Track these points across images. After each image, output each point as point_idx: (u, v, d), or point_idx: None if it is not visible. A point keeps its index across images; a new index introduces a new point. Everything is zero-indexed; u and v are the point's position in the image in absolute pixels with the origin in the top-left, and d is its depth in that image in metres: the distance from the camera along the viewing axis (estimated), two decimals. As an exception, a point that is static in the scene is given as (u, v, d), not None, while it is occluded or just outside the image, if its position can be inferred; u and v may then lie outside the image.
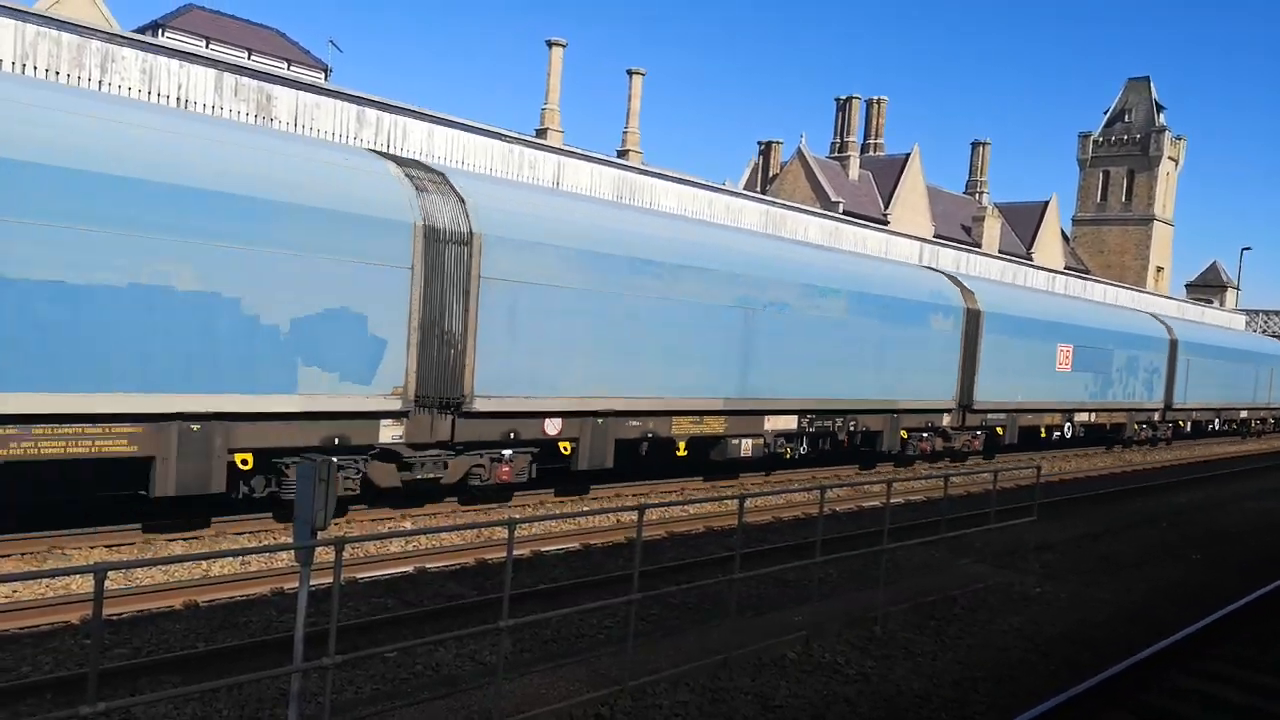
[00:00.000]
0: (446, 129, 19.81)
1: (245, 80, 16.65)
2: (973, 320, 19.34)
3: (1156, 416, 28.56)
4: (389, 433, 10.69)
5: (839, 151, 57.70)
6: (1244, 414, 35.72)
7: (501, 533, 10.15)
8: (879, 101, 62.91)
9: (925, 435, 18.74)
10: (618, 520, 11.69)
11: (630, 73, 44.76)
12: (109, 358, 8.51)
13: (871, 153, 60.65)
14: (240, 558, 9.22)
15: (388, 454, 10.69)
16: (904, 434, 18.13)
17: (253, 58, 32.13)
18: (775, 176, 55.37)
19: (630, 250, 12.88)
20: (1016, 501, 13.77)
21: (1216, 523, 15.51)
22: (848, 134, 58.00)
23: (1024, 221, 67.16)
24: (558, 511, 12.20)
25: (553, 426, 12.16)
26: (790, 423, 15.75)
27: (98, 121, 8.63)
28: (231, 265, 9.12)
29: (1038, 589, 10.24)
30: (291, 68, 31.73)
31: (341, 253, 9.87)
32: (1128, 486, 18.82)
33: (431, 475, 11.07)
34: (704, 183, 26.87)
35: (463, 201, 11.25)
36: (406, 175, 10.98)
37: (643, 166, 26.60)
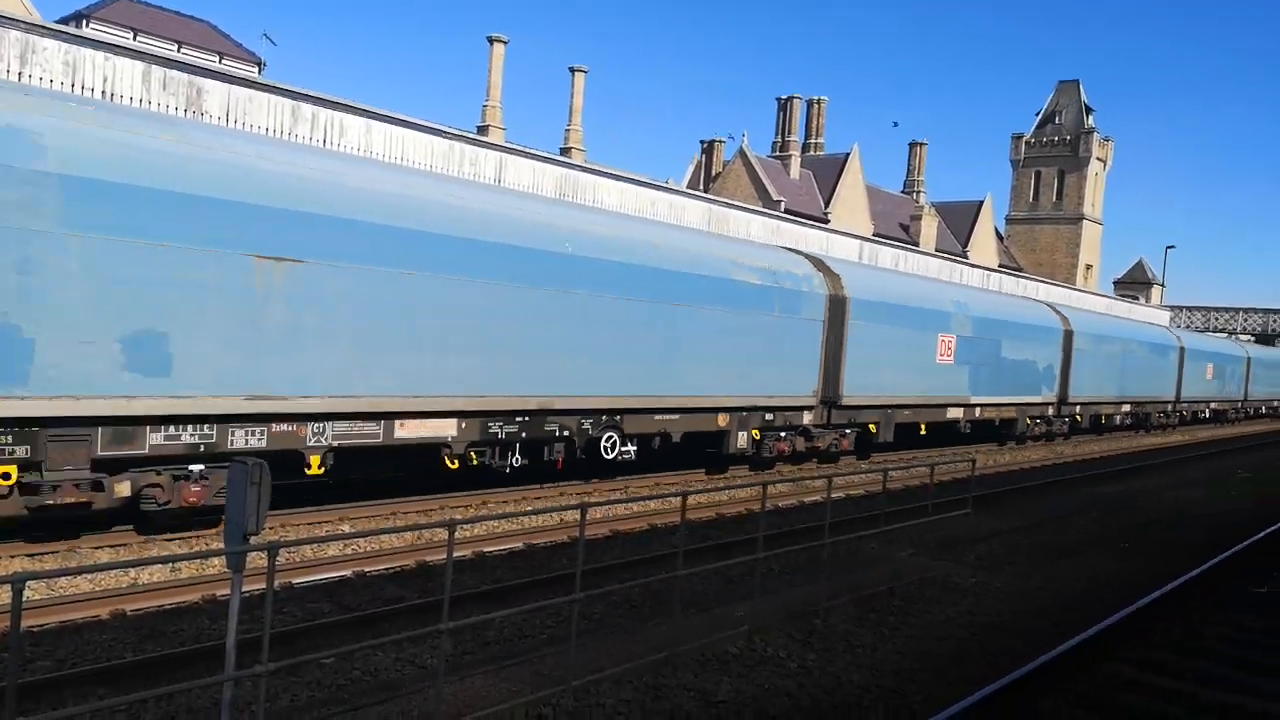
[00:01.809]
0: (385, 125, 19.53)
1: (174, 73, 16.19)
2: (838, 307, 17.84)
3: (1051, 411, 27.28)
4: (806, 417, 17.58)
5: (780, 151, 58.32)
6: (1146, 407, 34.69)
7: (443, 534, 10.03)
8: (819, 101, 63.77)
9: (784, 435, 17.15)
10: (561, 519, 11.64)
11: (573, 70, 44.61)
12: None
13: (812, 152, 61.42)
14: (171, 565, 8.95)
15: (801, 430, 17.47)
16: (757, 434, 16.58)
17: (182, 50, 31.26)
18: (718, 175, 55.74)
19: (904, 300, 20.13)
20: (953, 494, 14.06)
21: (1143, 512, 16.02)
22: (789, 133, 58.64)
23: (960, 220, 68.68)
24: (499, 511, 12.10)
25: (871, 415, 18.95)
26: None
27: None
28: (735, 325, 15.58)
29: (973, 579, 10.46)
30: (223, 61, 30.93)
31: (772, 311, 16.49)
32: (1058, 479, 19.34)
33: (821, 445, 17.91)
34: (647, 181, 26.93)
35: (838, 278, 18.13)
36: (811, 261, 18.31)
37: (586, 164, 26.55)
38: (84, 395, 8.70)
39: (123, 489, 9.24)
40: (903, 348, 19.81)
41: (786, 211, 44.12)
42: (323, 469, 10.50)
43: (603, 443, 13.66)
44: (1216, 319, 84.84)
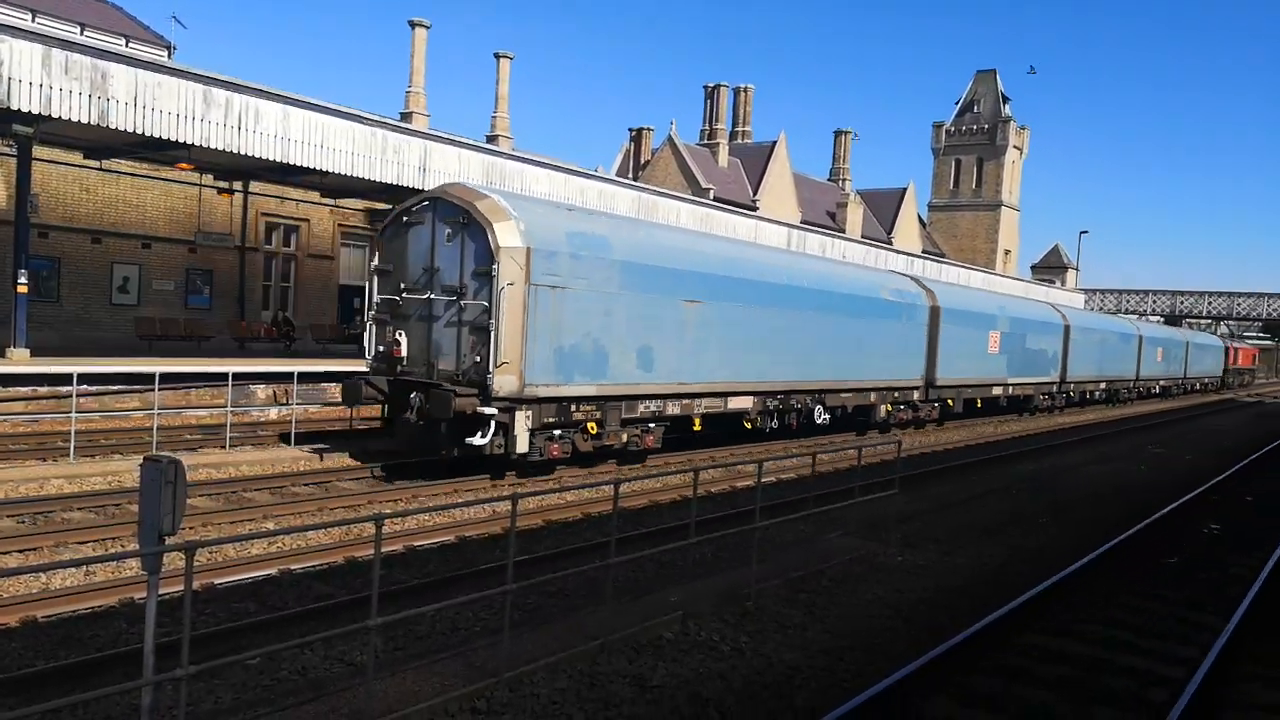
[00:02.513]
0: (304, 111, 19.03)
1: (77, 57, 15.49)
2: (934, 315, 24.54)
3: (1055, 388, 32.95)
4: (915, 395, 23.77)
5: (708, 139, 58.58)
6: (1116, 385, 40.28)
7: (373, 529, 9.86)
8: (746, 90, 64.21)
9: (903, 407, 23.56)
10: (493, 511, 11.54)
11: (498, 56, 44.08)
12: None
13: (740, 140, 61.85)
14: (85, 568, 8.62)
15: (891, 404, 22.76)
16: (889, 407, 22.81)
17: (86, 33, 29.92)
18: (647, 163, 55.74)
19: (970, 307, 26.95)
20: (880, 476, 14.34)
21: (1061, 489, 16.61)
22: (716, 121, 58.93)
23: (884, 207, 70.00)
24: (430, 505, 11.94)
25: (950, 393, 25.51)
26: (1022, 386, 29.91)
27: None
28: (831, 322, 19.94)
29: (900, 558, 10.71)
30: (130, 44, 29.70)
31: (881, 316, 21.90)
32: (980, 458, 19.91)
33: (922, 415, 24.33)
34: (576, 169, 26.80)
35: (933, 293, 24.67)
36: (916, 282, 25.17)
37: (513, 152, 26.29)
38: (623, 383, 14.82)
39: (617, 439, 15.05)
40: (971, 343, 26.20)
41: (715, 199, 44.38)
42: (700, 428, 17.10)
43: (815, 413, 19.93)
44: (1127, 301, 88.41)
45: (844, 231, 54.79)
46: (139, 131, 16.59)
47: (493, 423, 12.74)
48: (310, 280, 29.24)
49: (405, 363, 13.97)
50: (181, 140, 17.25)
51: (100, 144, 20.78)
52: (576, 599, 8.67)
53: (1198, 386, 56.57)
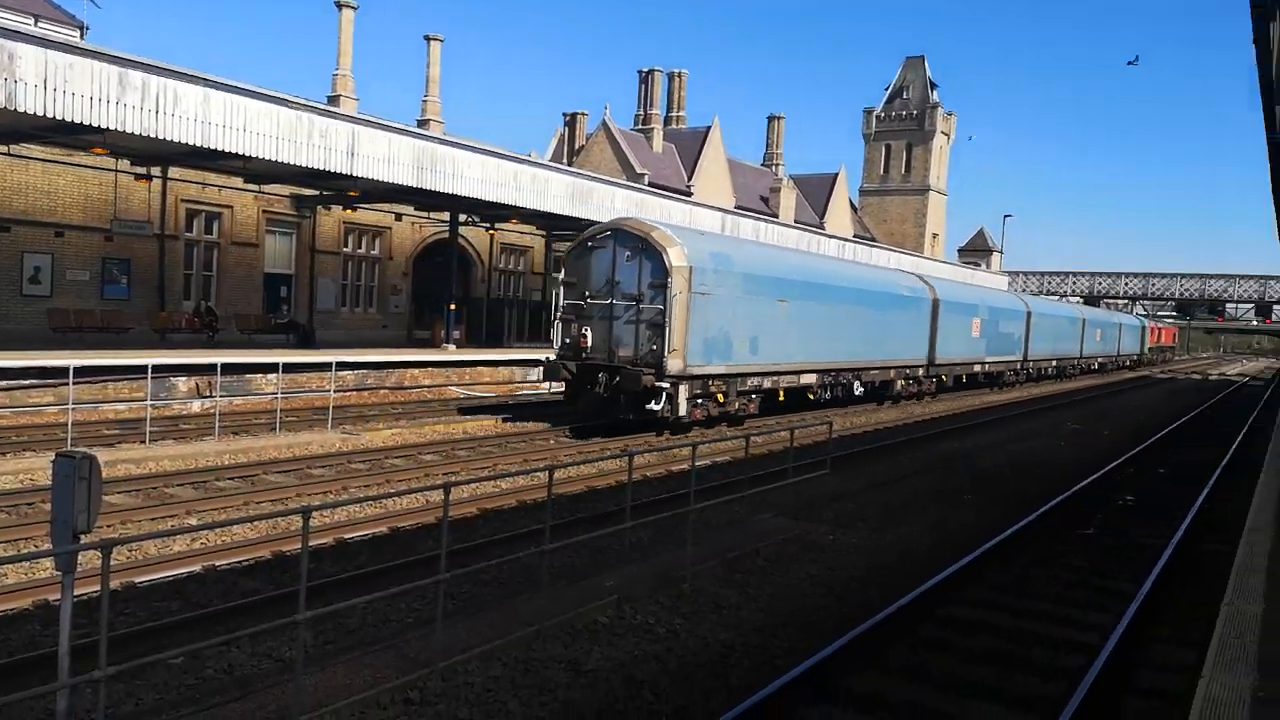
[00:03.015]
0: (225, 94, 18.46)
1: (-21, 35, 14.76)
2: (935, 306, 29.29)
3: (1018, 366, 38.74)
4: (920, 371, 28.18)
5: (643, 124, 58.51)
6: (1064, 362, 46.01)
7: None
8: (680, 75, 64.24)
9: (910, 382, 28.09)
10: (426, 500, 11.42)
11: (428, 39, 43.32)
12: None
13: (674, 125, 61.90)
14: (-4, 570, 8.27)
15: (907, 380, 27.54)
16: (902, 382, 27.39)
17: (-10, 10, 28.48)
18: (582, 148, 55.46)
19: (961, 299, 32.18)
20: (812, 457, 14.58)
21: (983, 466, 17.09)
22: (651, 107, 58.87)
23: (816, 192, 70.85)
24: (361, 495, 11.76)
25: (945, 370, 30.28)
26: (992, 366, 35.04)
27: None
28: (873, 316, 24.69)
29: (832, 537, 10.92)
30: (40, 24, 28.41)
31: (906, 310, 26.96)
32: (908, 438, 20.37)
33: (919, 391, 28.37)
34: (510, 154, 26.53)
35: (934, 288, 29.33)
36: (921, 279, 30.03)
37: (445, 137, 25.90)
38: (740, 364, 19.22)
39: (734, 406, 19.27)
40: (960, 329, 31.17)
41: (650, 184, 44.38)
42: (783, 399, 21.47)
43: (854, 386, 24.50)
44: (1049, 282, 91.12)
45: (777, 216, 55.32)
46: (49, 115, 15.90)
47: (664, 394, 17.23)
48: (234, 269, 28.44)
49: (589, 351, 17.98)
50: (95, 124, 16.58)
51: (8, 128, 19.84)
52: (513, 586, 8.64)
53: (1128, 363, 63.14)
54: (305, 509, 5.59)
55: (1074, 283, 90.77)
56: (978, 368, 33.82)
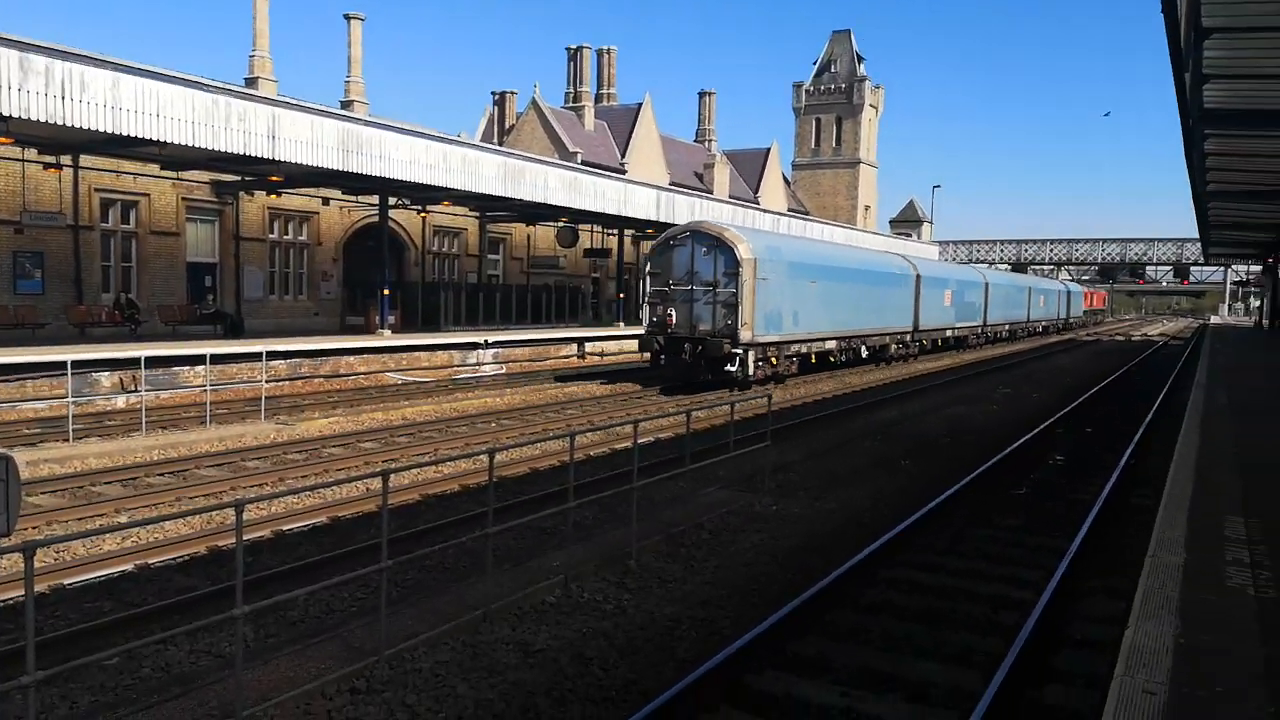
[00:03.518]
0: (136, 78, 17.76)
1: None
2: (917, 282, 34.27)
3: (979, 331, 43.88)
4: (907, 338, 33.33)
5: (573, 102, 58.02)
6: (1014, 327, 51.41)
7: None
8: (609, 51, 63.79)
9: (899, 346, 33.02)
10: (367, 488, 11.25)
11: (348, 17, 42.22)
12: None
13: (605, 103, 61.53)
14: (-88, 580, 7.91)
15: (902, 346, 32.83)
16: (893, 346, 32.33)
17: (-123, -8, 26.88)
18: (512, 127, 54.79)
19: (936, 274, 37.66)
20: (753, 429, 14.73)
21: (920, 432, 17.48)
22: (581, 84, 58.38)
23: (750, 167, 71.26)
24: (298, 486, 11.52)
25: (926, 335, 35.38)
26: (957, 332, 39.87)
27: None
28: (874, 292, 30.01)
29: (774, 507, 11.06)
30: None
31: (897, 286, 32.27)
32: (845, 408, 20.71)
33: (906, 354, 33.56)
34: (438, 135, 26.08)
35: (915, 266, 34.50)
36: (905, 259, 35.52)
37: (370, 118, 25.33)
38: (787, 333, 24.05)
39: (782, 367, 24.04)
40: (937, 300, 36.42)
41: (583, 163, 44.10)
42: (814, 362, 26.46)
43: (860, 350, 29.44)
44: (977, 250, 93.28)
45: (711, 192, 55.53)
46: (-55, 102, 15.11)
47: (738, 358, 22.20)
48: (154, 259, 27.48)
49: (674, 327, 22.93)
50: (-4, 111, 15.82)
51: (-100, 116, 18.80)
52: (458, 571, 8.58)
53: (1066, 326, 68.42)
54: (239, 502, 5.45)
55: (1001, 250, 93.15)
56: (949, 333, 39.27)
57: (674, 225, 27.18)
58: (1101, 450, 15.49)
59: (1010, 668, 5.99)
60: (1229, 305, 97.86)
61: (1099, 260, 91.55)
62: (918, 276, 34.17)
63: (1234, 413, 14.16)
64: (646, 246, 49.29)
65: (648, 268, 24.15)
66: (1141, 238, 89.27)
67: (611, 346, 33.61)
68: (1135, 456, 14.18)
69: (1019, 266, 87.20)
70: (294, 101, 21.56)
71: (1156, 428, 17.22)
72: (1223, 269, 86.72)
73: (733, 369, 22.15)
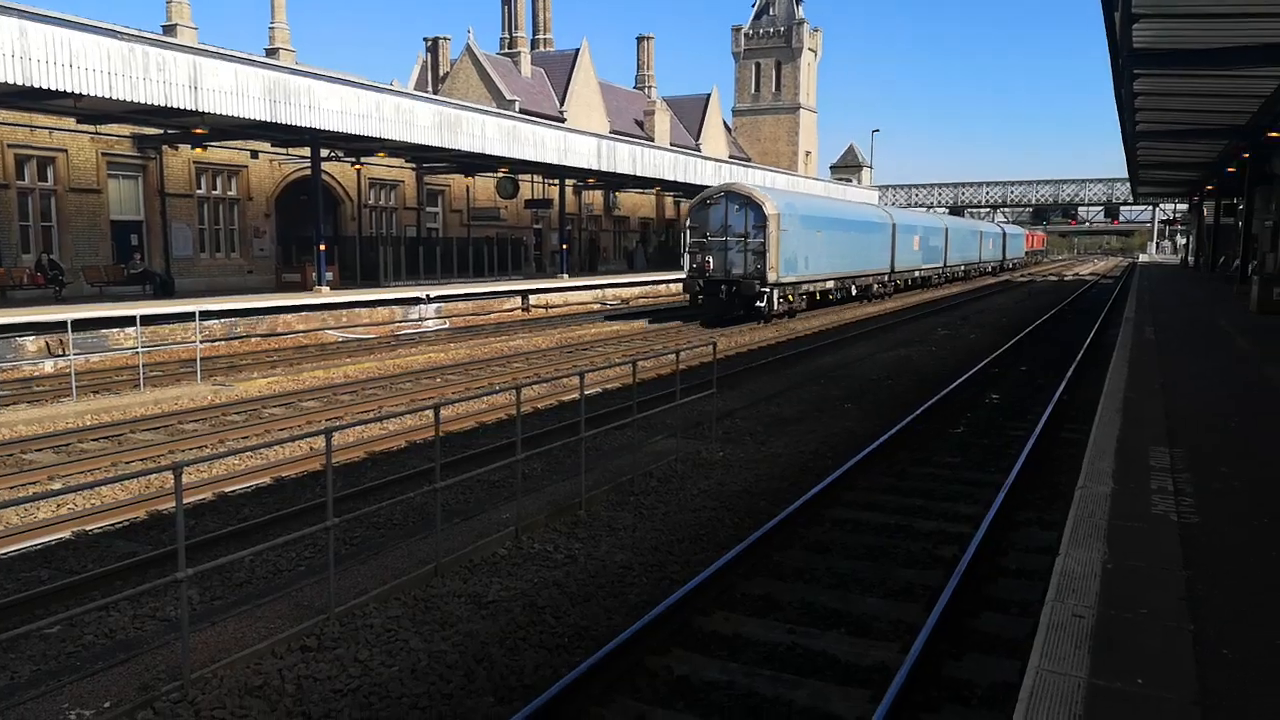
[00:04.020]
0: (45, 26, 16.87)
1: None
2: (893, 230, 39.36)
3: (940, 271, 49.56)
4: (885, 278, 38.33)
5: (509, 48, 56.71)
6: (969, 267, 57.53)
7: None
8: (544, -5, 62.28)
9: (880, 285, 38.00)
10: (310, 447, 11.10)
11: (272, -39, 40.49)
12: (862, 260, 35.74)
13: (542, 49, 60.28)
14: None
15: (881, 285, 37.98)
16: (875, 285, 37.37)
17: None
18: (446, 75, 53.42)
19: (908, 221, 42.63)
20: (699, 378, 14.86)
21: (860, 376, 17.79)
22: (516, 30, 57.03)
23: (690, 114, 70.67)
24: (240, 446, 11.32)
25: (900, 276, 40.80)
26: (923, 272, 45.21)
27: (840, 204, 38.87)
28: (862, 239, 35.34)
29: (721, 453, 11.20)
30: None
31: (879, 233, 37.17)
32: (788, 354, 20.96)
33: (884, 292, 38.50)
34: (369, 83, 25.35)
35: (890, 215, 40.18)
36: (883, 209, 42.76)
37: (299, 67, 24.47)
38: (801, 275, 29.09)
39: (795, 304, 29.33)
40: (908, 245, 41.33)
41: (521, 112, 43.30)
42: (817, 299, 31.39)
43: (851, 289, 34.28)
44: (916, 195, 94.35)
45: (653, 140, 55.07)
46: None
47: (766, 296, 26.81)
48: (75, 217, 26.40)
49: (710, 271, 27.23)
50: (-107, 62, 14.92)
51: None
52: (407, 528, 8.55)
53: (1010, 266, 74.02)
54: (177, 465, 5.34)
55: (939, 194, 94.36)
56: (918, 273, 44.37)
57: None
58: (1035, 388, 15.96)
59: (949, 599, 6.20)
60: (1157, 244, 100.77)
61: (1033, 202, 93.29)
62: (894, 225, 39.28)
63: (1159, 347, 14.66)
64: (589, 195, 48.95)
65: (687, 222, 28.53)
66: (1074, 179, 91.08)
67: (556, 299, 33.42)
68: (1068, 392, 14.64)
69: (956, 210, 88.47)
70: (217, 50, 20.72)
71: (1088, 364, 17.77)
72: (1151, 208, 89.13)
73: (762, 305, 26.89)
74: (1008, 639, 6.00)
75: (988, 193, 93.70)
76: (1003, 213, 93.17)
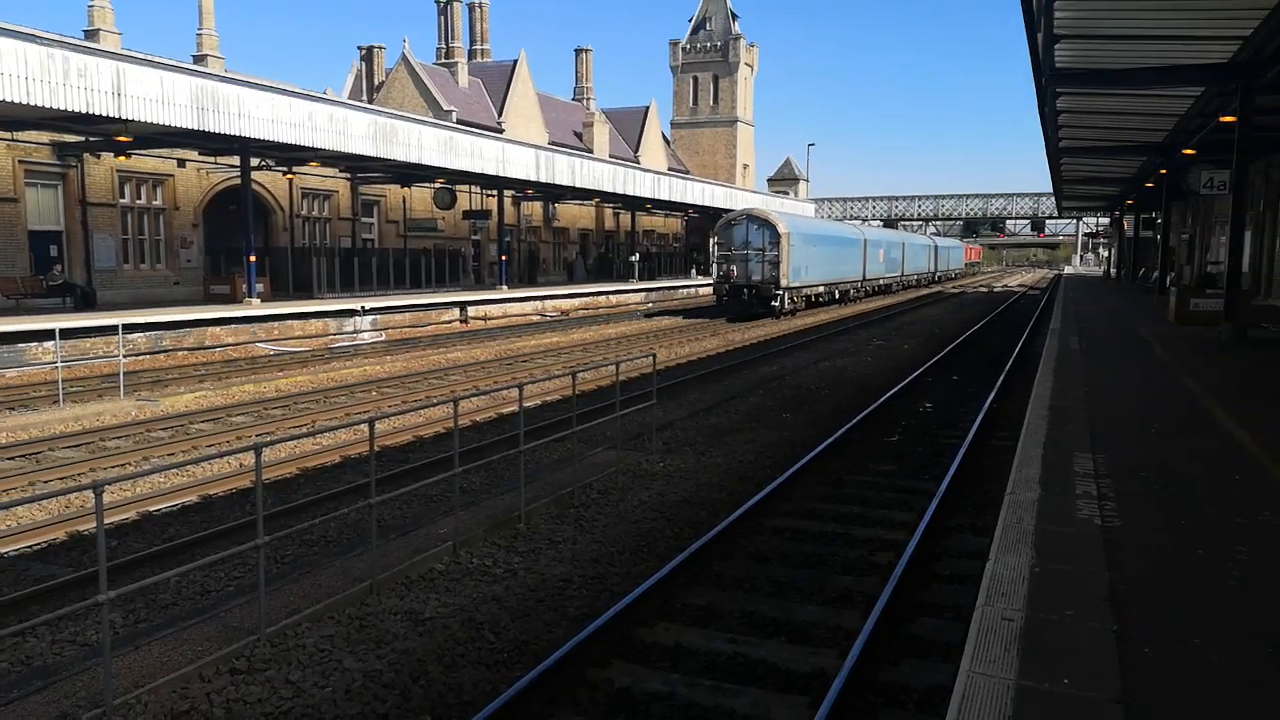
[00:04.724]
0: (-42, 28, 16.19)
1: None
2: (863, 244, 47.00)
3: (898, 279, 56.40)
4: (857, 284, 45.50)
5: (446, 58, 56.28)
6: (920, 276, 64.18)
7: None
8: (481, 5, 62.05)
9: (855, 290, 45.42)
10: (240, 464, 10.81)
11: (200, -34, 39.58)
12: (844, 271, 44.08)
13: (479, 59, 59.98)
14: None
15: (855, 290, 45.31)
16: (850, 291, 44.33)
17: None
18: (382, 85, 52.79)
19: (875, 238, 51.16)
20: (639, 389, 14.85)
21: (799, 386, 18.01)
22: (453, 39, 56.63)
23: (629, 126, 70.97)
24: (165, 463, 10.98)
25: (872, 283, 49.08)
26: (884, 280, 52.31)
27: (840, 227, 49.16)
28: (844, 253, 43.14)
29: (661, 464, 11.23)
30: None
31: (855, 248, 45.20)
32: (727, 364, 21.12)
33: (859, 295, 46.53)
34: (302, 92, 24.90)
35: (863, 233, 48.72)
36: (855, 226, 55.48)
37: (228, 74, 23.93)
38: (804, 281, 36.44)
39: (798, 304, 36.51)
40: (876, 257, 48.80)
41: (459, 122, 42.98)
42: (811, 301, 38.27)
43: (835, 294, 41.20)
44: (851, 208, 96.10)
45: (592, 151, 55.12)
46: None
47: (779, 297, 33.41)
48: (-7, 227, 25.36)
49: (735, 278, 33.87)
50: None
51: None
52: (342, 544, 8.38)
53: (954, 275, 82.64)
54: (98, 483, 5.14)
55: (874, 207, 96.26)
56: (881, 281, 51.45)
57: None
58: (967, 396, 16.35)
59: (885, 606, 6.30)
60: (1081, 256, 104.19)
61: (963, 215, 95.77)
62: (865, 241, 47.28)
63: (1084, 356, 15.15)
64: (528, 207, 48.75)
65: (715, 239, 38.77)
66: (1002, 193, 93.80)
67: (495, 310, 33.17)
68: (997, 400, 15.02)
69: (890, 222, 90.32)
70: (142, 56, 20.14)
71: (1016, 373, 18.27)
72: (1075, 221, 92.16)
73: (775, 304, 33.88)
74: (942, 643, 6.11)
75: (920, 205, 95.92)
76: (934, 225, 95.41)
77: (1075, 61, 16.83)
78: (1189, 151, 24.59)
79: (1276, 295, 27.07)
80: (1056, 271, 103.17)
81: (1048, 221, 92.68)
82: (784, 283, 33.90)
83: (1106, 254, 79.43)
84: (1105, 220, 76.42)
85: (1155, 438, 8.66)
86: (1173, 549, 5.48)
